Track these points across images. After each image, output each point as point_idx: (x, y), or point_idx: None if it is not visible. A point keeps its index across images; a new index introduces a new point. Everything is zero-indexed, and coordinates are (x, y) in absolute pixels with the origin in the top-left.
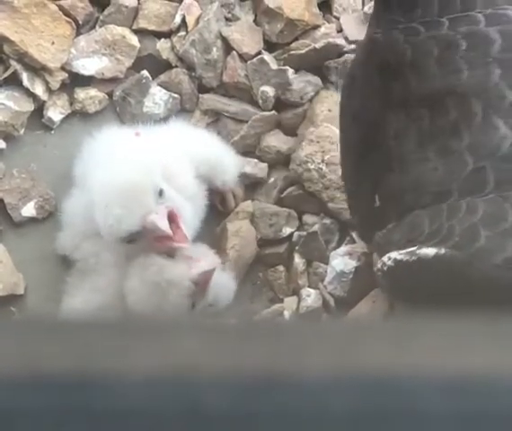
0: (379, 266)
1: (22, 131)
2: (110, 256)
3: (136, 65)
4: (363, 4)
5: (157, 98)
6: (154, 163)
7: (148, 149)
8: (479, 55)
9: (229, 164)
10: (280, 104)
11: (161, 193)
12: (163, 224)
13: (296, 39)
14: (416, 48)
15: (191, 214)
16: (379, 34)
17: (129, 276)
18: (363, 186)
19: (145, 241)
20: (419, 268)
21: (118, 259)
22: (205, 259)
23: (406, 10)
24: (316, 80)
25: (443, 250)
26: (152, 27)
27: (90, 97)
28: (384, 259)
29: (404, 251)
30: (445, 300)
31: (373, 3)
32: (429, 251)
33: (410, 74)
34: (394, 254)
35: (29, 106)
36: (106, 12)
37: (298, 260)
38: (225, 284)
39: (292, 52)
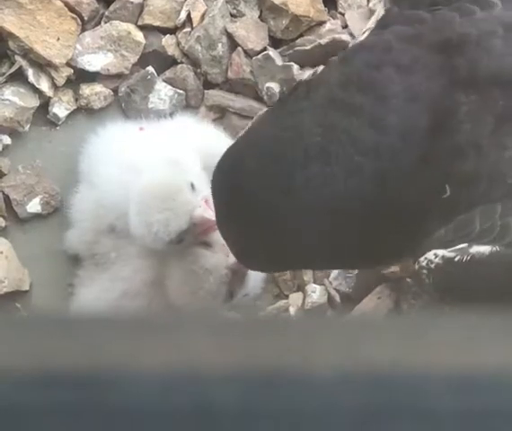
0: (423, 263)
1: (27, 127)
2: (132, 249)
3: (142, 62)
4: (368, 1)
5: (162, 94)
6: (181, 160)
7: (159, 146)
8: None
9: None
10: None
11: (193, 186)
12: (209, 214)
13: (302, 35)
14: (478, 26)
15: None
16: (425, 13)
17: (168, 264)
18: (426, 179)
19: (190, 237)
20: (471, 266)
21: (140, 250)
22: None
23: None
24: None
25: (498, 248)
26: (157, 23)
27: (95, 93)
28: (430, 255)
29: (454, 249)
30: (497, 299)
31: None
32: (484, 249)
33: (478, 52)
34: (442, 251)
35: (34, 102)
36: (111, 8)
37: None
38: (257, 275)
39: (297, 48)
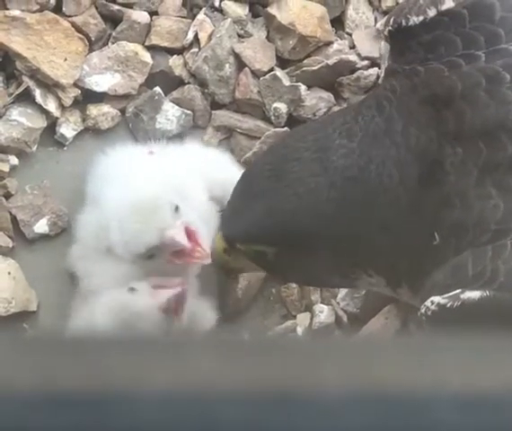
0: (422, 311)
1: (34, 148)
2: (109, 277)
3: (149, 82)
4: (375, 21)
5: (170, 114)
6: (170, 180)
7: (163, 167)
8: None
9: None
10: (293, 120)
11: (177, 209)
12: (182, 239)
13: (309, 55)
14: (463, 80)
15: (205, 233)
16: (418, 66)
17: (95, 315)
18: (417, 225)
19: (162, 257)
20: (463, 312)
21: (116, 279)
22: (171, 285)
23: (428, 49)
24: (329, 96)
25: (488, 293)
26: (164, 43)
27: (102, 113)
28: (428, 303)
29: (448, 295)
30: None
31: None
32: (474, 295)
33: (463, 106)
34: (437, 298)
35: (41, 122)
36: (118, 28)
37: None
38: (203, 312)
39: (304, 68)
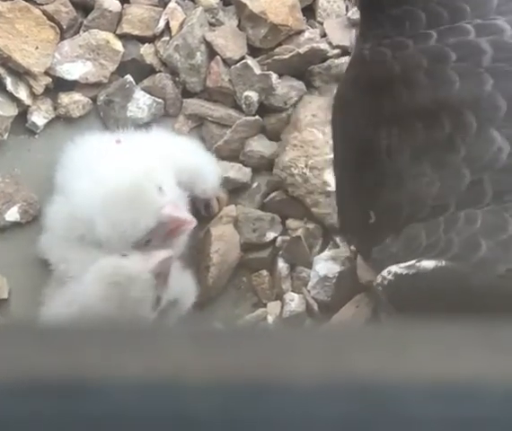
0: (379, 280)
1: (5, 136)
2: (82, 265)
3: (120, 70)
4: (347, 10)
5: (141, 102)
6: (142, 166)
7: (131, 155)
8: (470, 65)
9: (210, 174)
10: (264, 109)
11: (160, 190)
12: (179, 213)
13: (280, 44)
14: (405, 62)
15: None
16: (366, 50)
17: (85, 284)
18: (357, 203)
19: (157, 239)
20: (419, 280)
21: (84, 269)
22: (158, 252)
23: (394, 24)
24: (300, 85)
25: (443, 262)
26: (136, 32)
27: (74, 102)
28: (384, 273)
29: (404, 265)
30: (445, 311)
31: (359, 16)
32: (429, 264)
33: (401, 89)
34: (394, 268)
35: (12, 110)
36: (90, 16)
37: (282, 265)
38: (186, 282)
39: (276, 57)
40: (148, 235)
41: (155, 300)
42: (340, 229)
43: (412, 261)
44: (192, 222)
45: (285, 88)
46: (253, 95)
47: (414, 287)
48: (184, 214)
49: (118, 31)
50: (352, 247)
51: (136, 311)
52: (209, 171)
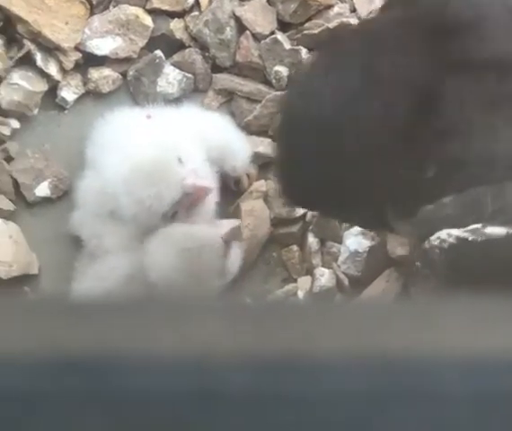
0: (435, 243)
1: (35, 111)
2: (113, 240)
3: (150, 45)
4: None
5: (171, 78)
6: (168, 139)
7: (161, 129)
8: None
9: (240, 151)
10: None
11: (180, 161)
12: (203, 181)
13: (310, 18)
14: (477, 9)
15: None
16: None
17: (152, 251)
18: (407, 156)
19: (183, 210)
20: (486, 247)
21: (120, 243)
22: (226, 221)
23: None
24: None
25: None
26: (165, 7)
27: (103, 77)
28: (443, 235)
29: (468, 229)
30: (509, 281)
31: None
32: (499, 231)
33: (472, 35)
34: (455, 231)
35: (42, 86)
36: None
37: (312, 240)
38: (236, 252)
39: (305, 32)
40: (174, 207)
41: (222, 268)
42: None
43: (477, 225)
44: (214, 188)
45: None
46: (283, 70)
47: (480, 254)
48: (206, 181)
49: (147, 7)
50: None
51: (203, 279)
52: (239, 147)
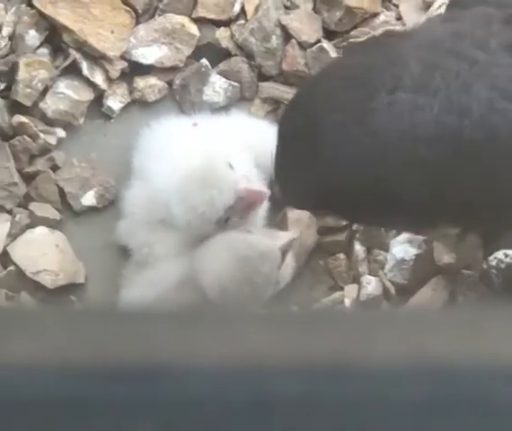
0: (493, 263)
1: (81, 120)
2: (164, 248)
3: (196, 54)
4: None
5: (217, 86)
6: (216, 147)
7: (208, 138)
8: None
9: None
10: None
11: (230, 166)
12: (255, 185)
13: (355, 26)
14: None
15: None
16: None
17: (206, 257)
18: None
19: (236, 216)
20: None
21: (172, 250)
22: (277, 233)
23: None
24: None
25: None
26: (211, 15)
27: (149, 86)
28: (499, 255)
29: None
30: None
31: None
32: None
33: None
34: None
35: (88, 95)
36: (165, 0)
37: (358, 248)
38: (288, 261)
39: (351, 40)
40: (227, 213)
41: (276, 279)
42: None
43: None
44: (267, 192)
45: None
46: None
47: None
48: (258, 186)
49: (193, 15)
50: None
51: (257, 288)
52: None
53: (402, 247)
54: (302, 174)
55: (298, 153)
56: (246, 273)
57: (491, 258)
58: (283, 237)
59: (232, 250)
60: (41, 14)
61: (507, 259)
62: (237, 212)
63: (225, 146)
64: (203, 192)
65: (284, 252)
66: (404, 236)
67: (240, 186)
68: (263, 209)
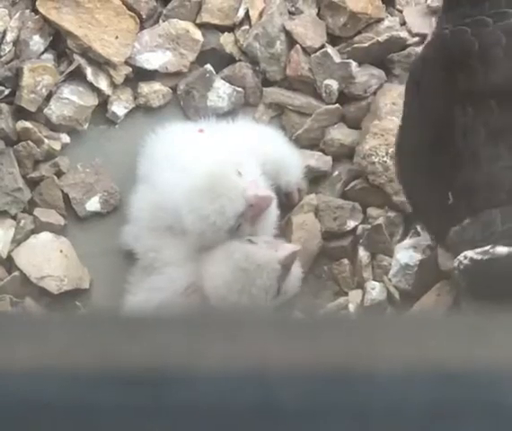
0: (456, 264)
1: (86, 126)
2: (171, 253)
3: (200, 60)
4: None
5: (221, 92)
6: (224, 154)
7: (214, 144)
8: None
9: (293, 167)
10: (344, 97)
11: (239, 174)
12: (264, 191)
13: (360, 32)
14: (483, 40)
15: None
16: (447, 30)
17: (209, 266)
18: (434, 184)
19: (246, 222)
20: (492, 266)
21: (178, 256)
22: (282, 244)
23: (474, 4)
24: (380, 73)
25: None
26: (215, 21)
27: (154, 91)
28: (461, 257)
29: (479, 250)
30: None
31: (438, 3)
32: (502, 250)
33: (477, 66)
34: (470, 253)
35: (93, 100)
36: (169, 6)
37: (363, 253)
38: (295, 271)
39: (355, 45)
40: (238, 220)
41: (276, 290)
42: (413, 212)
43: (487, 247)
44: (273, 197)
45: (364, 76)
46: (333, 83)
47: (488, 273)
48: (266, 191)
49: (197, 21)
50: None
51: (256, 298)
52: (293, 162)
53: (407, 252)
54: None
55: None
56: (243, 284)
57: (455, 259)
58: (285, 249)
59: (231, 260)
60: (46, 20)
61: (465, 261)
62: (248, 219)
63: (233, 153)
64: (213, 201)
65: (285, 266)
66: (408, 241)
67: (249, 192)
68: (273, 215)
